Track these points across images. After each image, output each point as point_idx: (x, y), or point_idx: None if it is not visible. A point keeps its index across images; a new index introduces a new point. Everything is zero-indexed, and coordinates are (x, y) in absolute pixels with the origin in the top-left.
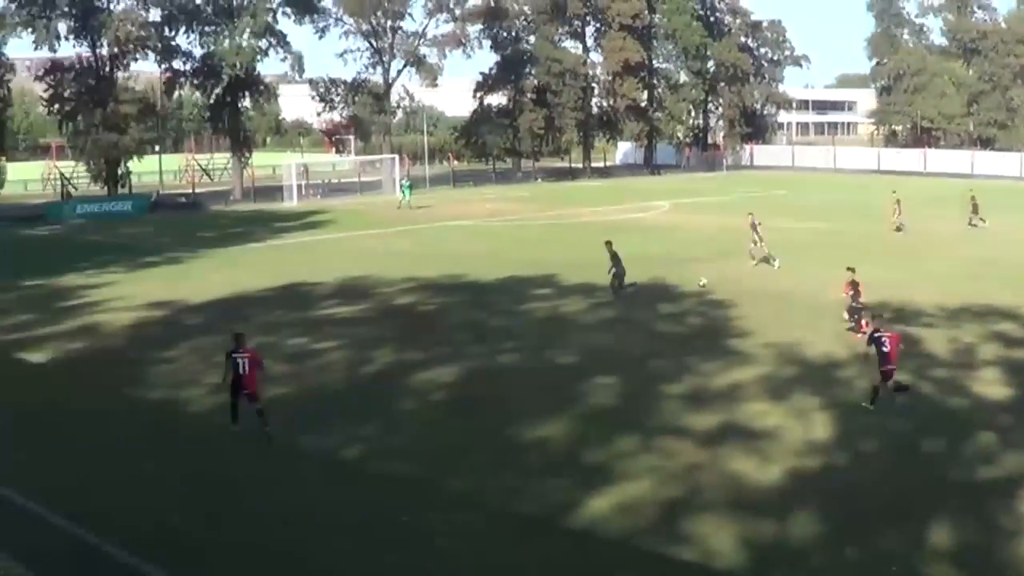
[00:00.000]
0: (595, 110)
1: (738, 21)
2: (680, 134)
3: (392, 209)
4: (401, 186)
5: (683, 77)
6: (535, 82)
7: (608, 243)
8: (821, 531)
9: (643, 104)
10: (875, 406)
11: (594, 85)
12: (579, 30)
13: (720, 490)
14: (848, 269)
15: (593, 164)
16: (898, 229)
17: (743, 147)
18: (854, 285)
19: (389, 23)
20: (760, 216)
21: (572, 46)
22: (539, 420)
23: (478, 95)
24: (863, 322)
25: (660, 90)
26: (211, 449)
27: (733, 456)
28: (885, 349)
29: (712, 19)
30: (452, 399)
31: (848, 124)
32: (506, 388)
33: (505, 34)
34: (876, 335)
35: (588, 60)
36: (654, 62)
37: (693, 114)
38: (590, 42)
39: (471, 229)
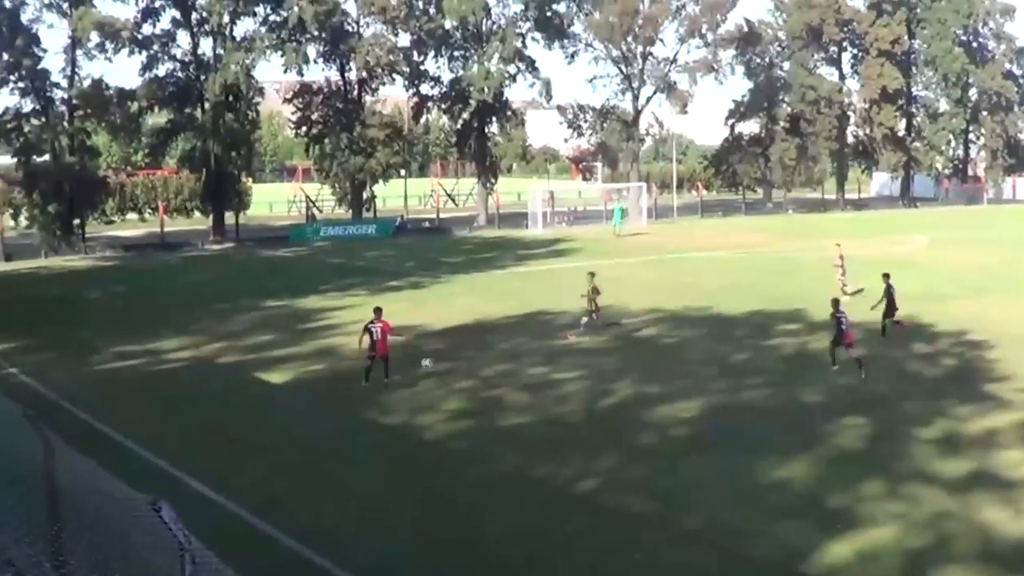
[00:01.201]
0: (850, 139)
1: (1003, 47)
2: (939, 165)
3: (638, 238)
4: (612, 212)
5: (943, 105)
6: (789, 110)
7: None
8: None
9: (901, 133)
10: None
11: (850, 113)
12: (835, 56)
13: (970, 541)
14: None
15: (847, 195)
16: None
17: (1006, 179)
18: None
19: (640, 49)
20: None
21: (828, 73)
22: (781, 460)
23: (729, 123)
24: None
25: (919, 119)
26: (447, 475)
27: (985, 506)
28: (843, 327)
29: (975, 44)
30: (692, 435)
31: None
32: (748, 425)
33: (759, 60)
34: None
35: (844, 87)
36: (913, 90)
37: (953, 144)
38: (847, 68)
39: (718, 260)
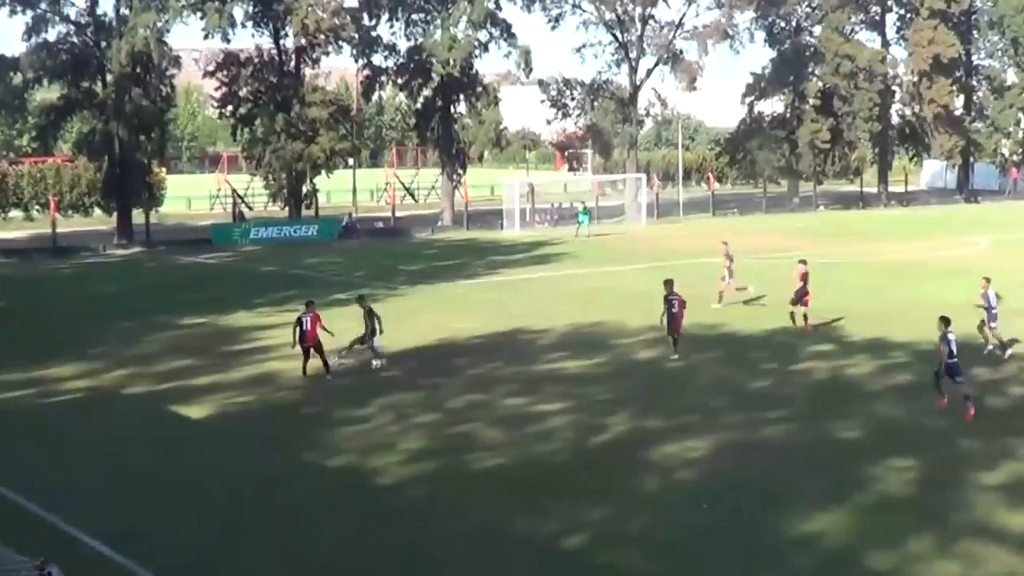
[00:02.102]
0: (896, 119)
1: None
2: (1005, 150)
3: (637, 241)
4: (578, 212)
5: (1011, 77)
6: (820, 84)
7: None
8: None
9: (958, 112)
10: None
11: (895, 88)
12: (877, 18)
13: None
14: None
15: (891, 188)
16: None
17: None
18: (804, 277)
19: (638, 11)
20: None
21: (868, 39)
22: (810, 509)
23: (747, 101)
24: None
25: (981, 94)
26: (405, 527)
27: None
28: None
29: None
30: (702, 479)
31: None
32: (770, 468)
33: (783, 24)
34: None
35: (888, 56)
36: (974, 58)
37: None
38: (891, 33)
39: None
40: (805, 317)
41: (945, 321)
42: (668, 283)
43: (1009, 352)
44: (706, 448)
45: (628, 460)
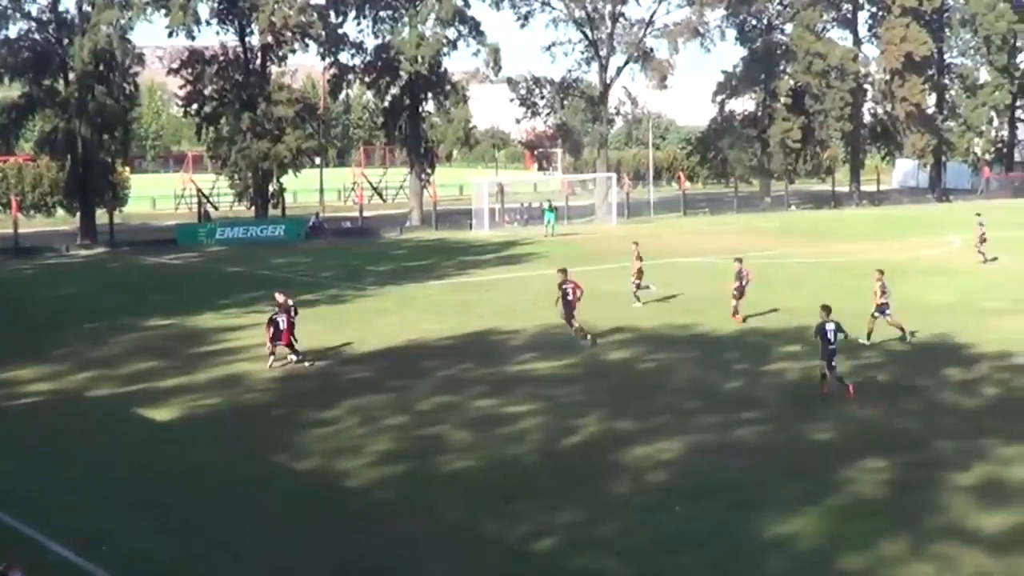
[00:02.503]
0: (867, 118)
1: None
2: (978, 149)
3: (608, 240)
4: (544, 211)
5: (984, 76)
6: (791, 83)
7: (881, 272)
8: None
9: (930, 111)
10: None
11: (867, 87)
12: (849, 16)
13: None
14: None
15: (863, 187)
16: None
17: None
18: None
19: (608, 8)
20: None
21: (840, 37)
22: (784, 512)
23: (719, 99)
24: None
25: (953, 92)
26: (373, 532)
27: None
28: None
29: None
30: (674, 481)
31: None
32: (744, 470)
33: (754, 22)
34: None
35: (860, 55)
36: (946, 56)
37: (996, 124)
38: (863, 31)
39: (704, 268)
40: (736, 311)
41: (826, 310)
42: (562, 271)
43: (911, 338)
44: (678, 450)
45: (599, 462)
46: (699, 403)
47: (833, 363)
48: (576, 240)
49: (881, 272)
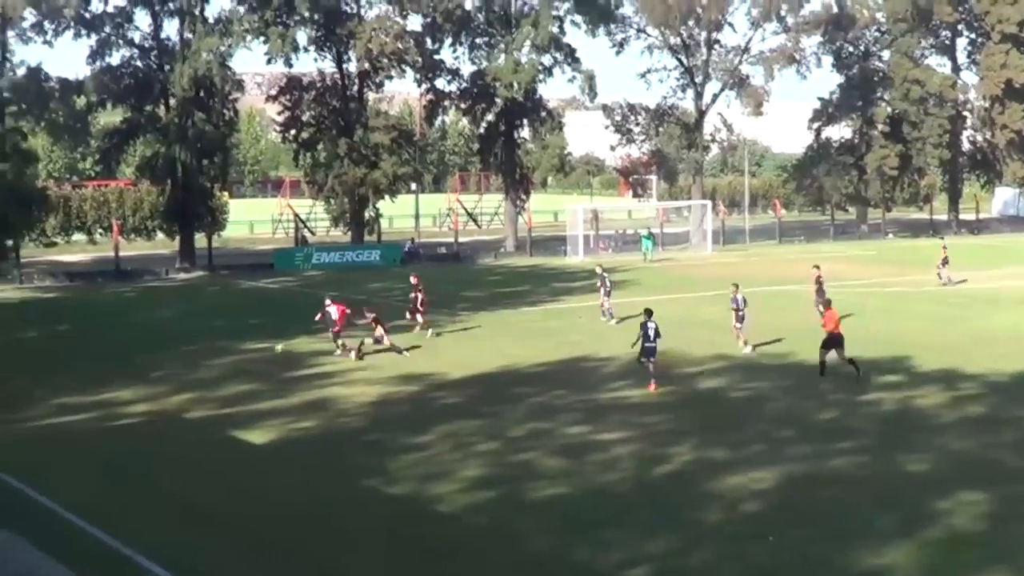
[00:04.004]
0: (966, 146)
1: None
2: None
3: (702, 267)
4: (642, 237)
5: None
6: (888, 110)
7: (736, 286)
8: None
9: None
10: None
11: (966, 114)
12: (948, 42)
13: None
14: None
15: (961, 215)
16: None
17: None
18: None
19: (704, 35)
20: None
21: (938, 63)
22: (878, 543)
23: (815, 126)
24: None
25: None
26: (463, 557)
27: None
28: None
29: None
30: (767, 511)
31: None
32: (837, 500)
33: (851, 49)
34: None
35: (959, 81)
36: None
37: None
38: (962, 58)
39: (799, 296)
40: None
41: (648, 312)
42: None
43: (751, 351)
44: (772, 480)
45: (691, 491)
46: (792, 432)
47: (652, 359)
48: (671, 267)
49: (736, 286)
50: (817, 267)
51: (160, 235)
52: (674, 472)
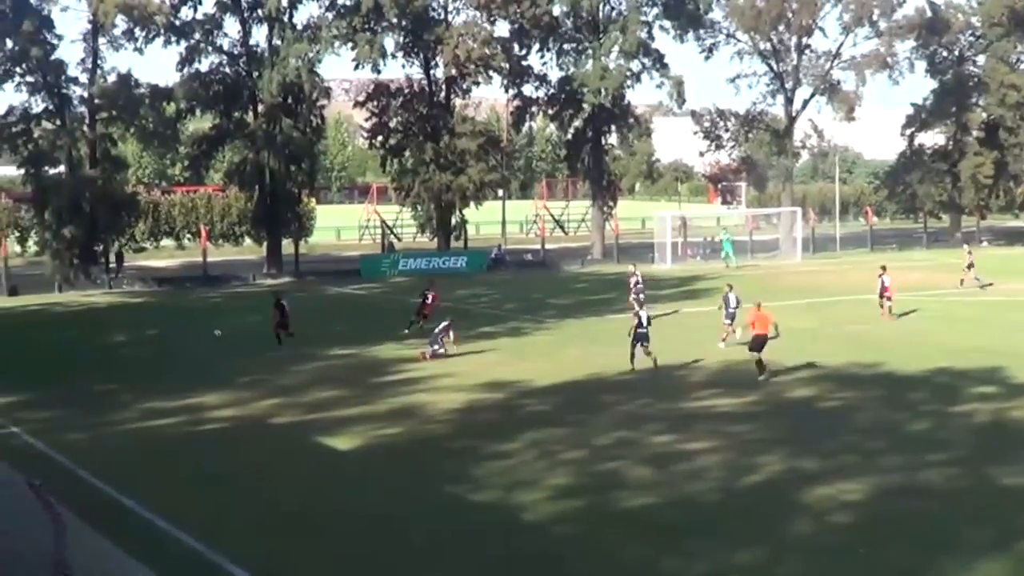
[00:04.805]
0: None
1: None
2: None
3: (791, 277)
4: (722, 240)
5: None
6: (984, 116)
7: (730, 286)
8: None
9: None
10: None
11: None
12: None
13: None
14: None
15: None
16: None
17: None
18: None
19: (794, 40)
20: None
21: None
22: (971, 558)
23: (907, 132)
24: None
25: None
26: (549, 567)
27: None
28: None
29: None
30: (858, 523)
31: None
32: (930, 513)
33: (945, 53)
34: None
35: None
36: None
37: None
38: None
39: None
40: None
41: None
42: (728, 286)
43: (725, 344)
44: (862, 491)
45: (780, 502)
46: (884, 443)
47: (645, 345)
48: (759, 275)
49: (730, 286)
50: (883, 268)
51: (248, 241)
52: (763, 482)
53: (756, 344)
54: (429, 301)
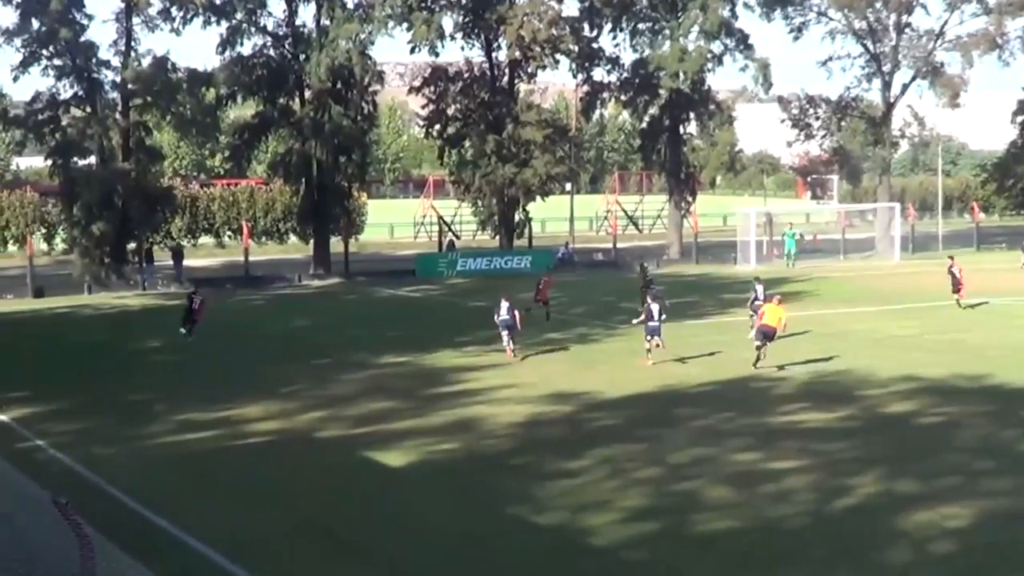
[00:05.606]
0: None
1: None
2: None
3: (889, 279)
4: (785, 236)
5: None
6: None
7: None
8: None
9: None
10: None
11: None
12: None
13: None
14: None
15: None
16: None
17: None
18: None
19: (893, 19)
20: None
21: None
22: None
23: (1019, 120)
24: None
25: None
26: None
27: None
28: None
29: None
30: (961, 551)
31: None
32: None
33: None
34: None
35: None
36: None
37: None
38: None
39: (997, 311)
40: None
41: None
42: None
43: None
44: (967, 517)
45: (875, 527)
46: (991, 464)
47: (655, 336)
48: (855, 278)
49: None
50: (951, 258)
51: (293, 238)
52: (855, 506)
53: (760, 334)
54: (541, 286)
